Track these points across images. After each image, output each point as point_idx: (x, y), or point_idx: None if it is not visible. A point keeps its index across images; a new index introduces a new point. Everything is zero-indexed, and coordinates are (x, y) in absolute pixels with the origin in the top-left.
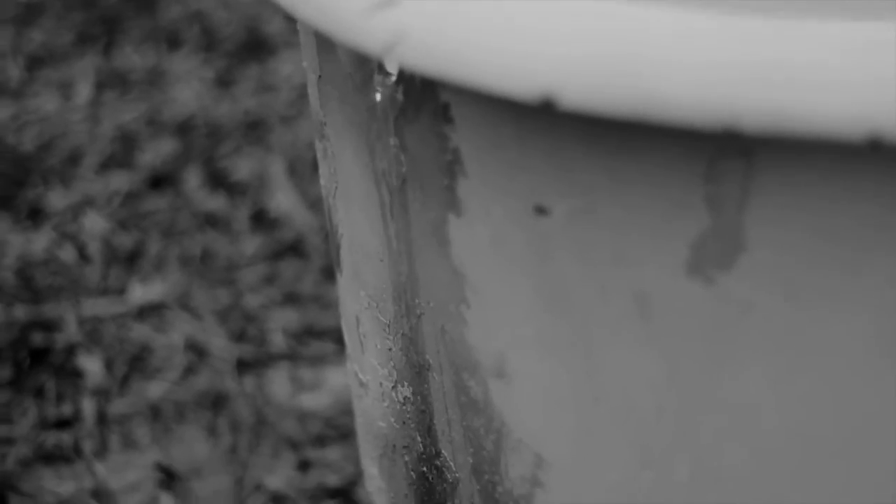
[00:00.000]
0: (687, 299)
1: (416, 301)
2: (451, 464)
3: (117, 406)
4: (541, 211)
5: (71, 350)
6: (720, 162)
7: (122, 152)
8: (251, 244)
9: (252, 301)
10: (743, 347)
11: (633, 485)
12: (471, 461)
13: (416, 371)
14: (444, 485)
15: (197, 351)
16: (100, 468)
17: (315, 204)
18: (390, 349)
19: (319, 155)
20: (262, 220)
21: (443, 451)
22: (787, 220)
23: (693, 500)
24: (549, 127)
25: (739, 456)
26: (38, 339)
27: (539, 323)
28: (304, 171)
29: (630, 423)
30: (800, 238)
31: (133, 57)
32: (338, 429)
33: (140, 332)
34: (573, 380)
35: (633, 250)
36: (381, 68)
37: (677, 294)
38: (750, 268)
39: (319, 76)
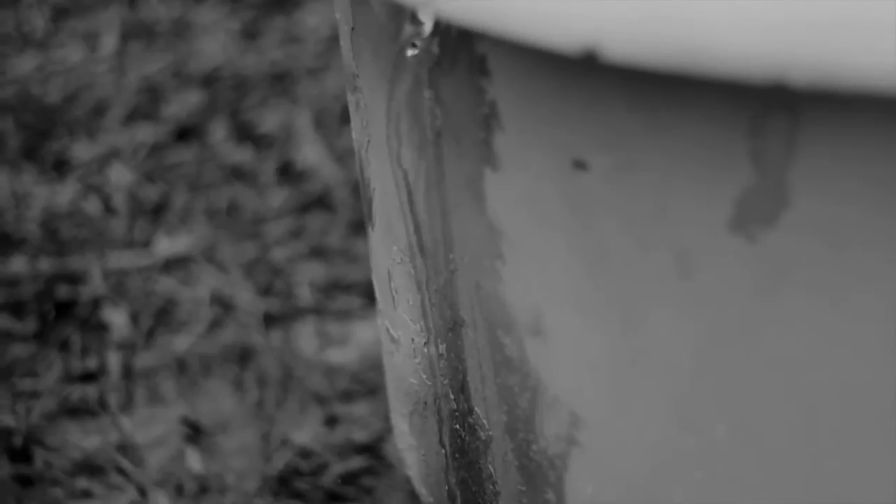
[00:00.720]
0: (729, 257)
1: (451, 256)
2: (485, 421)
3: (143, 360)
4: (579, 166)
5: (96, 303)
6: (765, 117)
7: (148, 104)
8: (278, 197)
9: (279, 254)
10: (787, 305)
11: (671, 446)
12: (505, 419)
13: (449, 327)
14: (477, 443)
15: (223, 304)
16: (125, 422)
17: (342, 157)
18: (423, 305)
19: (351, 108)
20: (288, 172)
21: (476, 409)
22: (833, 176)
23: (733, 462)
24: (590, 80)
25: (782, 417)
26: (63, 291)
27: (576, 280)
28: (330, 123)
29: (669, 382)
30: (846, 194)
31: (159, 8)
32: (365, 384)
33: (166, 285)
34: (611, 338)
35: (675, 207)
36: (415, 19)
37: (719, 251)
38: (794, 224)
39: (353, 28)
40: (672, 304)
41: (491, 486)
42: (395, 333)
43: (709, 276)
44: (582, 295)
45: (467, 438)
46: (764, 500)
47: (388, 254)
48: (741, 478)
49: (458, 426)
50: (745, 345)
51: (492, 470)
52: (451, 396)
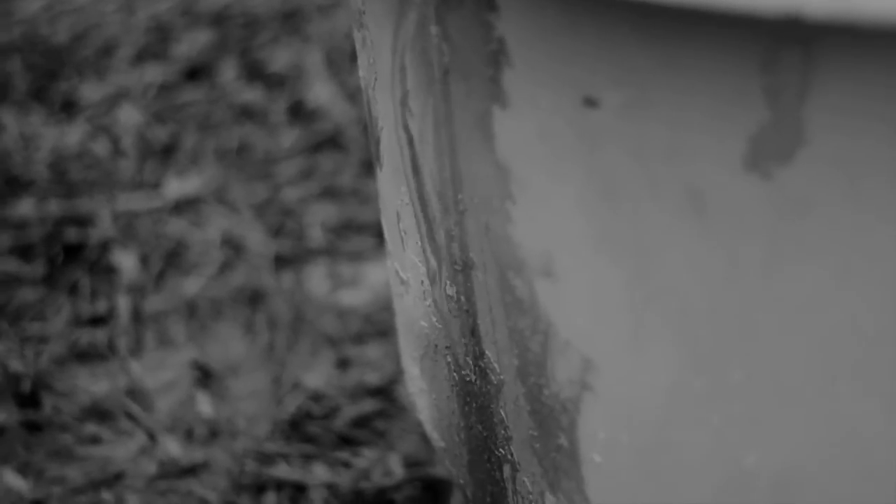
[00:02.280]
0: (744, 195)
1: (459, 197)
2: (496, 365)
3: (152, 303)
4: (590, 103)
5: (105, 246)
6: (779, 52)
7: (157, 43)
8: (289, 137)
9: (290, 195)
10: (802, 244)
11: (686, 389)
12: (516, 363)
13: (458, 269)
14: (489, 387)
15: (233, 246)
16: (135, 366)
17: (354, 95)
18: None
19: (358, 45)
20: (299, 112)
21: (487, 353)
22: (849, 112)
23: (749, 404)
24: (601, 14)
25: (798, 358)
26: (71, 234)
27: (588, 220)
28: (342, 61)
29: (683, 324)
30: (862, 130)
31: None
32: (377, 326)
33: (176, 226)
34: (623, 279)
35: (688, 144)
36: None
37: (733, 190)
38: (810, 162)
39: None
40: (686, 243)
41: (503, 431)
42: (405, 275)
43: (723, 214)
44: (593, 235)
45: (478, 383)
46: (781, 443)
47: (396, 194)
48: (758, 421)
49: (468, 370)
50: (761, 284)
51: (503, 414)
52: (462, 340)
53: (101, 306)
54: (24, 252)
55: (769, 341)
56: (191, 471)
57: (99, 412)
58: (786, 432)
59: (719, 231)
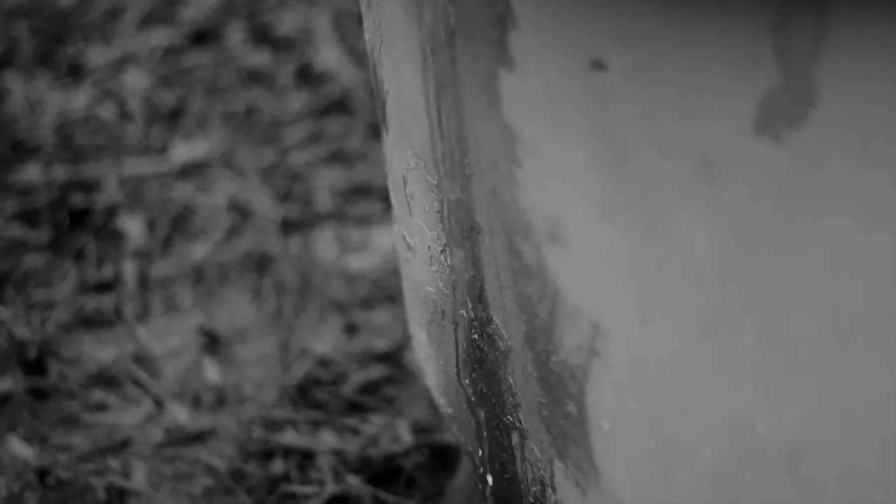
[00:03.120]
0: (754, 158)
1: (466, 161)
2: (504, 332)
3: (159, 268)
4: (598, 66)
5: (112, 211)
6: (791, 13)
7: (164, 7)
8: (296, 100)
9: (297, 159)
10: (813, 208)
11: (697, 354)
12: (524, 329)
13: (465, 234)
14: (496, 353)
15: (241, 211)
16: (141, 332)
17: (362, 58)
18: (439, 211)
19: (363, 7)
20: (307, 75)
21: (494, 319)
22: (861, 74)
23: (761, 370)
24: None
25: (811, 322)
26: (77, 199)
27: (596, 184)
28: (350, 24)
29: (694, 290)
30: (875, 93)
31: None
32: (386, 290)
33: (182, 191)
34: (632, 244)
35: (698, 108)
36: None
37: (744, 153)
38: (821, 125)
39: None
40: (696, 207)
41: (511, 398)
42: (412, 241)
43: (733, 178)
44: (601, 200)
45: (486, 349)
46: (793, 410)
47: (402, 158)
48: (769, 386)
49: (476, 336)
50: (773, 248)
51: (511, 381)
52: (470, 305)
53: (107, 272)
54: (29, 217)
55: (781, 307)
56: (198, 438)
57: (105, 379)
58: (798, 398)
59: (730, 194)
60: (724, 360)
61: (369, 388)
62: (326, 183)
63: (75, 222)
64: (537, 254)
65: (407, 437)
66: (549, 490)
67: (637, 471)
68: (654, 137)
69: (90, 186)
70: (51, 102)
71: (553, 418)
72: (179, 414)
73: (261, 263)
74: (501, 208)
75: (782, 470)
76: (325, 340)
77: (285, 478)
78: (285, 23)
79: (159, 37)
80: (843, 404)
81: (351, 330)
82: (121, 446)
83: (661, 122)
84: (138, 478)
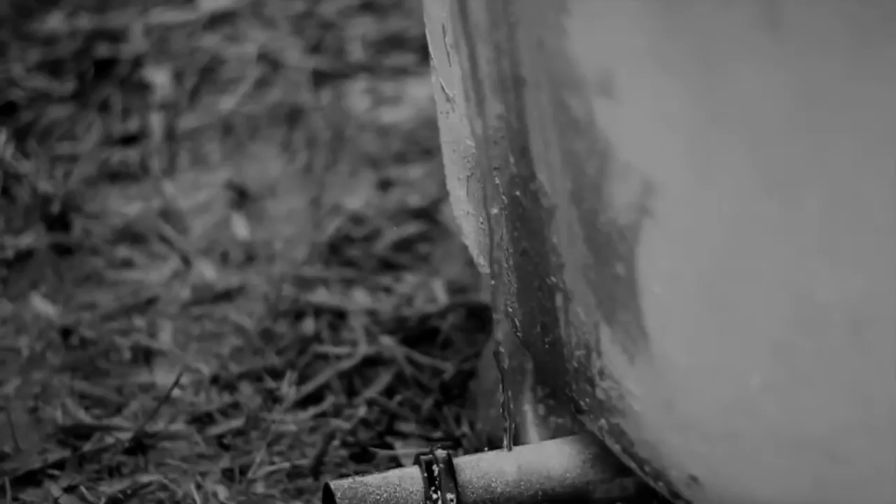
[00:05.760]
0: (824, 11)
1: (510, 7)
2: (548, 189)
3: (186, 121)
4: None
5: (137, 61)
6: None
7: None
8: None
9: (329, 8)
10: (884, 66)
11: (756, 216)
12: (570, 187)
13: (509, 87)
14: (540, 211)
15: (270, 62)
16: (168, 187)
17: None
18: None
19: None
20: None
21: (538, 175)
22: None
23: (825, 234)
24: None
25: (878, 186)
26: (102, 49)
27: (651, 33)
28: None
29: (754, 145)
30: None
31: None
32: (420, 144)
33: (210, 41)
34: (690, 97)
35: None
36: None
37: (813, 4)
38: None
39: None
40: (759, 57)
41: (555, 258)
42: (451, 92)
43: (800, 28)
44: (657, 50)
45: (529, 206)
46: (858, 276)
47: (442, 5)
48: (834, 251)
49: (518, 193)
50: (840, 105)
51: (555, 241)
52: (512, 160)
53: (133, 124)
54: (53, 68)
55: (848, 166)
56: (226, 296)
57: (131, 235)
58: (864, 264)
59: (795, 47)
60: (785, 223)
61: (403, 245)
62: (359, 33)
63: (100, 73)
64: (587, 108)
65: (442, 297)
66: (594, 355)
67: (690, 337)
68: None
69: (116, 36)
70: None
71: (600, 280)
72: (207, 271)
73: (291, 116)
74: (549, 60)
75: (845, 338)
76: (357, 196)
77: (317, 338)
78: None
79: None
80: None
81: (384, 185)
82: (146, 304)
83: None
84: (164, 337)
